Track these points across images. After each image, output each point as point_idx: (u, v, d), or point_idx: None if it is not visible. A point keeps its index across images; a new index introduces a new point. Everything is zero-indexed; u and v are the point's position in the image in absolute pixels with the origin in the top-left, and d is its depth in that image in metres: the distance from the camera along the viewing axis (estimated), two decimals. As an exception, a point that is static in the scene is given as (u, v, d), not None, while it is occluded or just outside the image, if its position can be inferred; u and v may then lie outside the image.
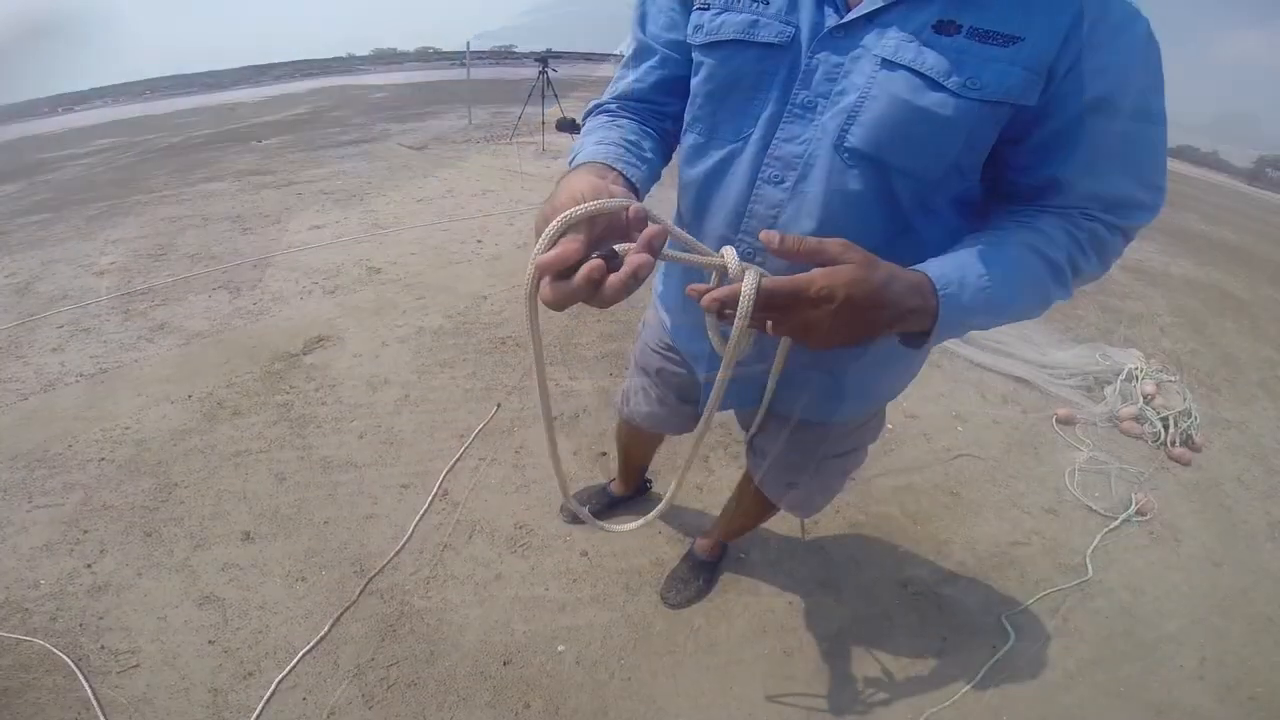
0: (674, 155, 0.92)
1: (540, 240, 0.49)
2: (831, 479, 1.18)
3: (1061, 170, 0.67)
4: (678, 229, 0.57)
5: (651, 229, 0.50)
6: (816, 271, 0.56)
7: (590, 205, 0.49)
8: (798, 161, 0.72)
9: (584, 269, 0.48)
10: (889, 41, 0.66)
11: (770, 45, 0.72)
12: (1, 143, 10.84)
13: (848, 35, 0.68)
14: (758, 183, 0.76)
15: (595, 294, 0.49)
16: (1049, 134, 0.66)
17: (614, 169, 0.69)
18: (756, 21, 0.72)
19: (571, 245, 0.48)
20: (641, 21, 0.85)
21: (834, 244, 0.58)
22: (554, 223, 0.48)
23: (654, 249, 0.50)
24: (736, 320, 0.55)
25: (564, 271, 0.49)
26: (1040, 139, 0.67)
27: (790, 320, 0.58)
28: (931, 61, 0.64)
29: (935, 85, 0.64)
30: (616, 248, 0.50)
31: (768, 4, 0.72)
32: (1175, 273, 5.18)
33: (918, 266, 0.63)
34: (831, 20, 0.69)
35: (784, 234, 0.58)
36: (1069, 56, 0.62)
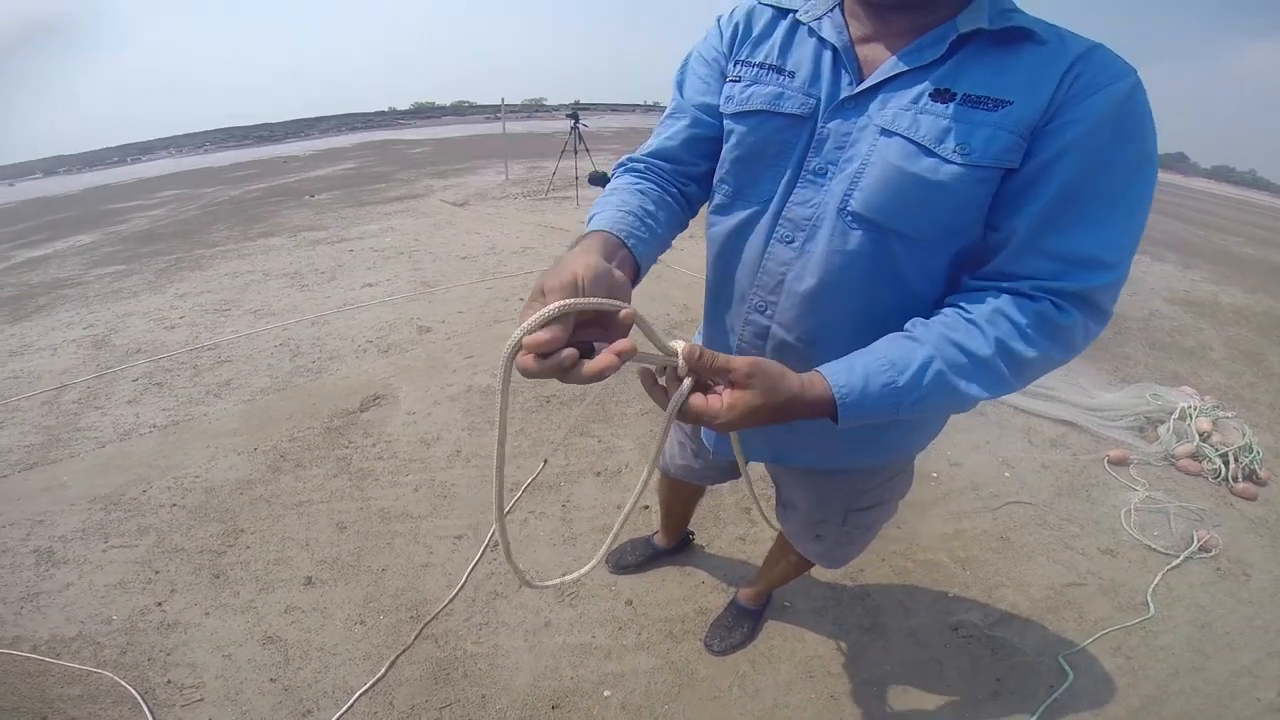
0: (698, 212, 0.96)
1: (534, 318, 0.51)
2: (858, 532, 1.18)
3: (1021, 221, 0.67)
4: (647, 324, 0.59)
5: (624, 344, 0.53)
6: (726, 397, 0.61)
7: (588, 302, 0.53)
8: (806, 224, 0.77)
9: (557, 356, 0.52)
10: (889, 111, 0.70)
11: (793, 116, 0.77)
12: (76, 192, 11.72)
13: (856, 105, 0.73)
14: (771, 241, 0.80)
15: (564, 376, 0.53)
16: (1018, 185, 0.67)
17: (625, 245, 0.73)
18: (782, 94, 0.78)
19: (557, 332, 0.52)
20: (680, 86, 0.92)
21: (741, 368, 0.60)
22: (552, 307, 0.51)
23: (622, 359, 0.53)
24: (667, 413, 0.61)
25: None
26: (1010, 191, 0.68)
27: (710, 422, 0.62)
28: (925, 129, 0.68)
29: (927, 152, 0.67)
30: (595, 344, 0.56)
31: (793, 77, 0.78)
32: (1225, 302, 5.02)
33: (823, 369, 0.66)
34: (846, 91, 0.74)
35: (703, 350, 0.60)
36: (1049, 113, 0.64)
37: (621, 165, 0.93)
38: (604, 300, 0.54)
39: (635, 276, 0.75)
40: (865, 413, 0.65)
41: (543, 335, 0.51)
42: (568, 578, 0.87)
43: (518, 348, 0.52)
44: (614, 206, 0.79)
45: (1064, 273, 0.66)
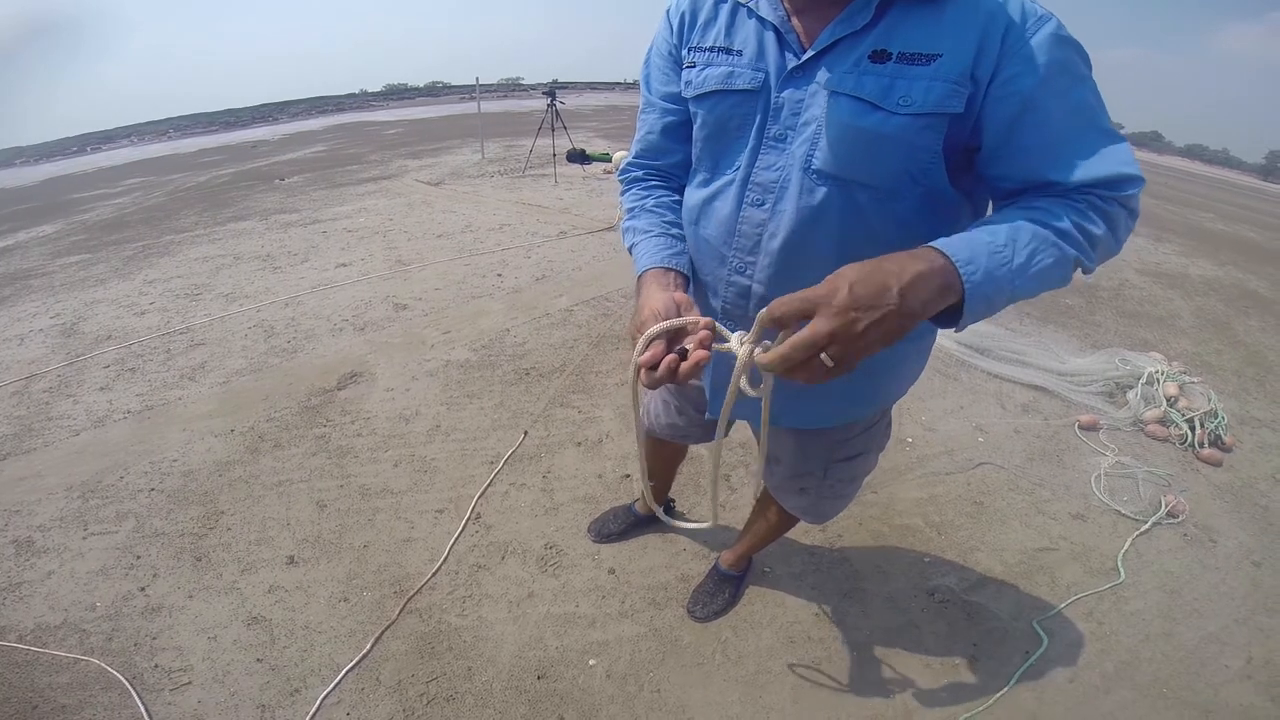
0: None
1: (638, 347, 0.71)
2: (841, 484, 1.22)
3: (1035, 172, 0.74)
4: (720, 328, 0.73)
5: (704, 335, 0.70)
6: (816, 287, 0.62)
7: (669, 323, 0.72)
8: (774, 185, 0.84)
9: (665, 361, 0.69)
10: (835, 75, 0.77)
11: (746, 91, 0.84)
12: (36, 182, 11.33)
13: (804, 74, 0.80)
14: (744, 206, 0.88)
15: (673, 378, 0.69)
16: (998, 138, 0.74)
17: (672, 270, 0.88)
18: (733, 72, 0.85)
19: (658, 348, 0.71)
20: (646, 81, 1.01)
21: (818, 286, 0.63)
22: (643, 338, 0.72)
23: (707, 346, 0.70)
24: (734, 375, 0.70)
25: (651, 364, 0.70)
26: (993, 144, 0.75)
27: (832, 341, 0.60)
28: (869, 87, 0.75)
29: (874, 108, 0.75)
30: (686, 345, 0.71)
31: (740, 55, 0.85)
32: (1194, 274, 5.14)
33: (932, 243, 0.67)
34: (791, 63, 0.80)
35: (771, 307, 0.63)
36: (987, 64, 0.71)
37: (623, 175, 1.07)
38: (684, 319, 0.73)
39: (688, 282, 0.91)
40: (981, 270, 0.64)
41: (648, 355, 0.70)
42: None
43: (636, 370, 0.72)
44: (643, 235, 0.94)
45: (1098, 187, 0.72)
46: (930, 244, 0.66)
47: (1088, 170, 0.71)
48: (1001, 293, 0.66)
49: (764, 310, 0.63)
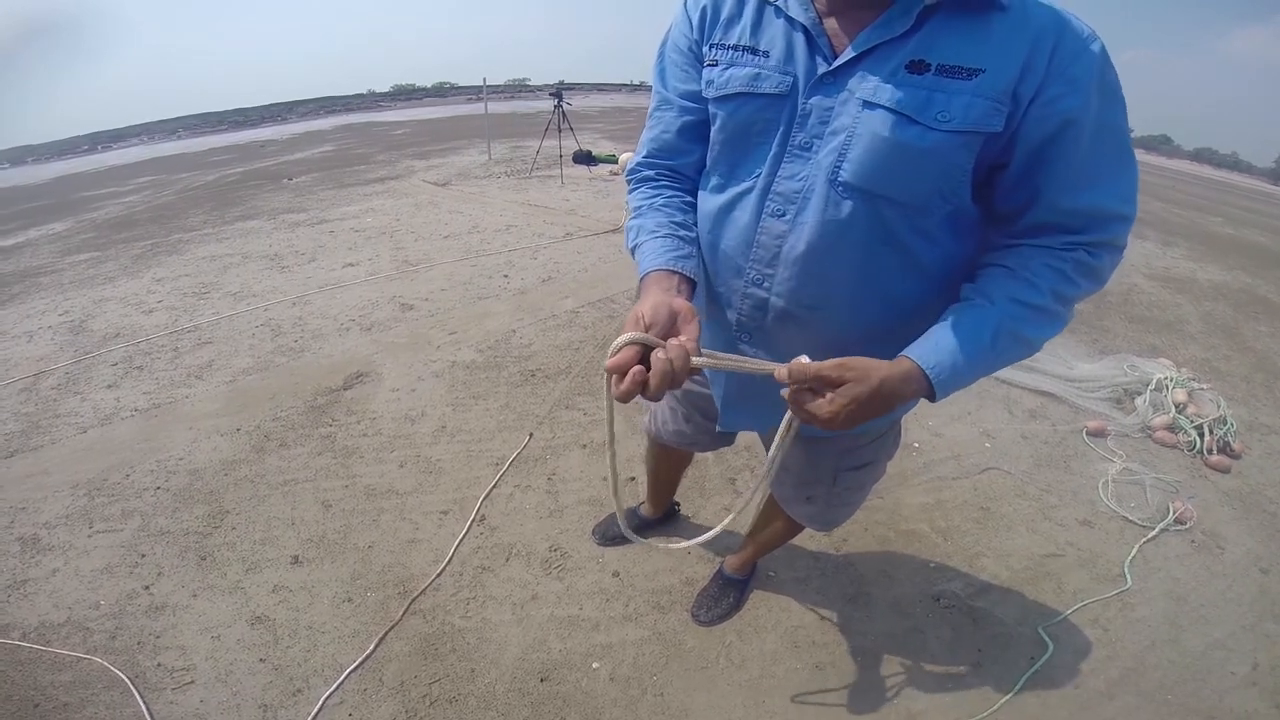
0: None
1: (609, 351, 0.67)
2: (849, 493, 1.20)
3: (1043, 189, 0.74)
4: (719, 355, 0.74)
5: (684, 338, 0.68)
6: (831, 399, 0.70)
7: (642, 337, 0.67)
8: (797, 196, 0.80)
9: (632, 373, 0.64)
10: (869, 84, 0.73)
11: (773, 95, 0.79)
12: (46, 181, 11.41)
13: (835, 80, 0.76)
14: (763, 216, 0.83)
15: (643, 389, 0.64)
16: (1028, 157, 0.73)
17: (677, 273, 0.82)
18: (759, 74, 0.80)
19: (630, 353, 0.65)
20: (661, 76, 0.95)
21: (831, 369, 0.70)
22: (614, 344, 0.67)
23: (685, 355, 0.66)
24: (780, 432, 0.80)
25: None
26: (1022, 162, 0.74)
27: (827, 423, 0.71)
28: (906, 100, 0.71)
29: (911, 121, 0.71)
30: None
31: (768, 56, 0.80)
32: (1203, 279, 5.11)
33: (906, 352, 0.74)
34: (822, 68, 0.76)
35: (792, 367, 0.70)
36: (1032, 82, 0.69)
37: (632, 174, 1.00)
38: (654, 340, 0.67)
39: (694, 286, 0.85)
40: (959, 382, 0.73)
41: (615, 359, 0.65)
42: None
43: (608, 377, 0.67)
44: (648, 235, 0.87)
45: (1089, 226, 0.75)
46: (917, 360, 0.73)
47: (1093, 200, 0.73)
48: (968, 382, 0.75)
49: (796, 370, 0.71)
